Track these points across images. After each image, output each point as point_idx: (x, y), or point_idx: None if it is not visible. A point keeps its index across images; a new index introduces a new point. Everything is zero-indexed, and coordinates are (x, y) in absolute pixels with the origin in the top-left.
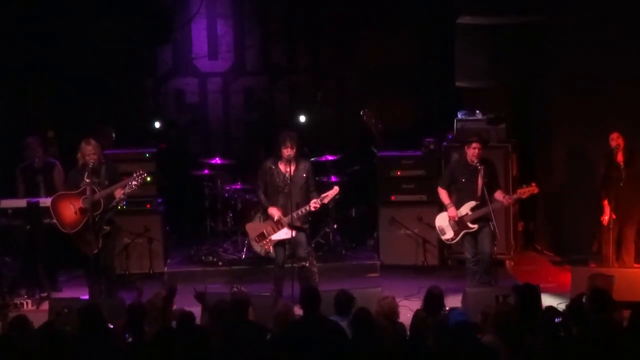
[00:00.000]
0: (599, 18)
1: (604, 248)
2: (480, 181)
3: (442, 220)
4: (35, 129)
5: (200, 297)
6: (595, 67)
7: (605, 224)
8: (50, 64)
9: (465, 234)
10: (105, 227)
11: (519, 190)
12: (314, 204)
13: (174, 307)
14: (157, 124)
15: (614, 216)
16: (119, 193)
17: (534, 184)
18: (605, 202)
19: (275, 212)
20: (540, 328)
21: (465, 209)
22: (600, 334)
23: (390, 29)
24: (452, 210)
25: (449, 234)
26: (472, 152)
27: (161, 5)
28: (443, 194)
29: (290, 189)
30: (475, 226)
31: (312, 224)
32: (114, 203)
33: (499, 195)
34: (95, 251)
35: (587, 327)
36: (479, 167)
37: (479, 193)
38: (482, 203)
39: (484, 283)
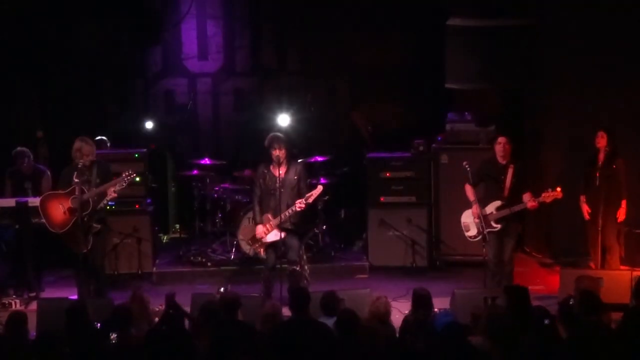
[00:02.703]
0: (590, 19)
1: (591, 251)
2: (508, 180)
3: (467, 217)
4: (24, 129)
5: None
6: (587, 69)
7: (587, 218)
8: (40, 65)
9: (490, 232)
10: (95, 226)
11: (543, 194)
12: (299, 204)
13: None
14: (148, 125)
15: (587, 214)
16: (110, 193)
17: (559, 189)
18: (582, 199)
19: (260, 231)
20: (529, 329)
21: (491, 207)
22: (589, 336)
23: (381, 30)
24: (475, 208)
25: (472, 231)
26: (499, 147)
27: (150, 6)
28: (469, 191)
29: (282, 191)
30: (499, 226)
31: (301, 226)
32: (103, 202)
33: (526, 197)
34: (85, 250)
35: (576, 329)
36: (509, 166)
37: (506, 193)
38: (508, 203)
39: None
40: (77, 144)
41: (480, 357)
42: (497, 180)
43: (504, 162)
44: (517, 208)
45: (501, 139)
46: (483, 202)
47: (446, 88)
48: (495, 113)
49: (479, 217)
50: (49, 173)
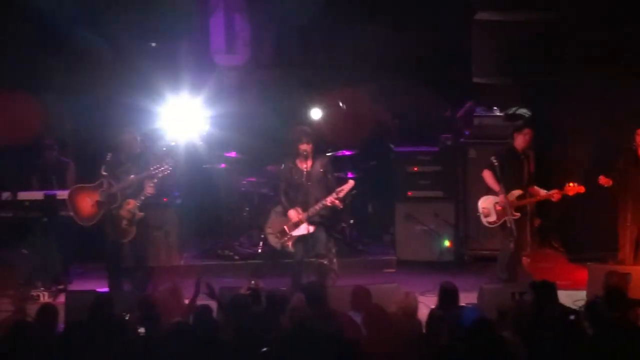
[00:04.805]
0: (616, 15)
1: (620, 247)
2: (526, 170)
3: (487, 203)
4: (52, 124)
5: (210, 292)
6: (615, 64)
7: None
8: (70, 58)
9: (508, 220)
10: (139, 213)
11: (566, 187)
12: (331, 198)
13: (188, 301)
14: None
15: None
16: (147, 189)
17: (582, 186)
18: (623, 198)
19: (294, 215)
20: (555, 325)
21: (512, 196)
22: (614, 333)
23: (407, 24)
24: (503, 197)
25: (492, 217)
26: (525, 138)
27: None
28: (491, 178)
29: (308, 184)
30: (518, 214)
31: (331, 219)
32: (140, 197)
33: (540, 190)
34: (127, 239)
35: (602, 325)
36: (527, 156)
37: (525, 182)
38: (526, 192)
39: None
40: (125, 136)
41: (507, 352)
42: (518, 170)
43: (522, 152)
44: (540, 198)
45: (527, 130)
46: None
47: (473, 82)
48: (521, 107)
49: (503, 206)
50: (72, 165)
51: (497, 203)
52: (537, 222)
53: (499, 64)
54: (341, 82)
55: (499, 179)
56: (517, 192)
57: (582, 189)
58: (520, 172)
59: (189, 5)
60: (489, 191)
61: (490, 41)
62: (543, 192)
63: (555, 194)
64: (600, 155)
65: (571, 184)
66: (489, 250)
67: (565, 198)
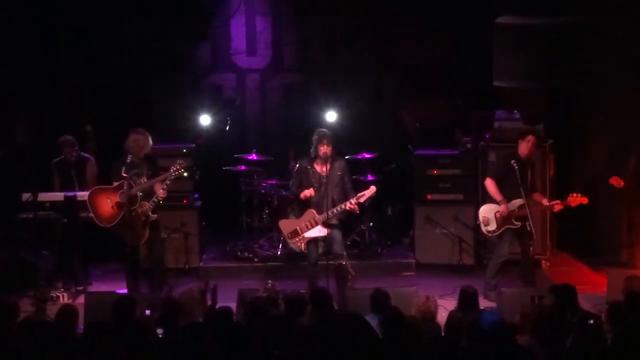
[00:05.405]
0: (638, 17)
1: (625, 247)
2: (529, 179)
3: (488, 212)
4: (73, 123)
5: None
6: (636, 68)
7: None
8: (89, 59)
9: (507, 229)
10: (152, 215)
11: (569, 198)
12: (350, 204)
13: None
14: (203, 119)
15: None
16: (158, 188)
17: (585, 197)
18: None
19: (309, 216)
20: (575, 329)
21: (513, 205)
22: (634, 338)
23: (429, 27)
24: (505, 207)
25: (492, 226)
26: (526, 145)
27: (200, 2)
28: (494, 187)
29: (327, 187)
30: (519, 224)
31: (347, 222)
32: (153, 199)
33: (543, 198)
34: (142, 241)
35: (623, 330)
36: (530, 165)
37: (528, 191)
38: (528, 201)
39: (525, 282)
40: (133, 137)
41: (527, 356)
42: (521, 178)
43: (526, 159)
44: (540, 208)
45: (531, 137)
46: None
47: (494, 86)
48: (543, 111)
49: (506, 215)
50: (93, 160)
51: (497, 212)
52: (556, 226)
53: (520, 67)
54: (363, 84)
55: (520, 182)
56: (518, 202)
57: (585, 200)
58: (524, 179)
59: (211, 7)
60: (489, 199)
61: (512, 45)
62: (545, 201)
63: (556, 205)
64: (622, 159)
65: (574, 195)
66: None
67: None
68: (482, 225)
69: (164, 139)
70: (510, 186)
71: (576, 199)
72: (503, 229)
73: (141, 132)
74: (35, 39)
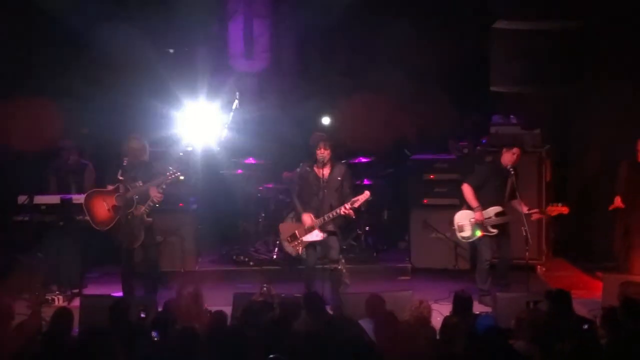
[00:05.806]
0: (637, 23)
1: (634, 257)
2: (509, 187)
3: (462, 219)
4: (70, 128)
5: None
6: (634, 74)
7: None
8: (86, 62)
9: (484, 236)
10: (148, 219)
11: (549, 207)
12: (345, 209)
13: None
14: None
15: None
16: (153, 192)
17: (566, 207)
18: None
19: (307, 219)
20: (570, 334)
21: (490, 212)
22: (629, 343)
23: (426, 32)
24: (479, 214)
25: (467, 233)
26: (511, 157)
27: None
28: (471, 194)
29: (325, 192)
30: (495, 231)
31: (344, 227)
32: (149, 203)
33: (522, 205)
34: (138, 245)
35: (618, 336)
36: (512, 173)
37: (506, 199)
38: (507, 209)
39: (499, 286)
40: (131, 142)
41: None
42: (501, 186)
43: (508, 169)
44: (514, 217)
45: (516, 150)
46: (482, 206)
47: (491, 91)
48: (540, 116)
49: (482, 222)
50: (91, 166)
51: (472, 219)
52: (551, 231)
53: (517, 72)
54: (360, 89)
55: (478, 190)
56: (495, 209)
57: (565, 210)
58: (503, 188)
59: (208, 11)
60: (466, 205)
61: (509, 50)
62: (525, 209)
63: (534, 214)
64: (618, 164)
65: (553, 205)
66: None
67: (581, 207)
68: (456, 232)
69: (160, 143)
70: (488, 193)
71: (555, 209)
72: (479, 236)
73: (138, 137)
74: (35, 38)
